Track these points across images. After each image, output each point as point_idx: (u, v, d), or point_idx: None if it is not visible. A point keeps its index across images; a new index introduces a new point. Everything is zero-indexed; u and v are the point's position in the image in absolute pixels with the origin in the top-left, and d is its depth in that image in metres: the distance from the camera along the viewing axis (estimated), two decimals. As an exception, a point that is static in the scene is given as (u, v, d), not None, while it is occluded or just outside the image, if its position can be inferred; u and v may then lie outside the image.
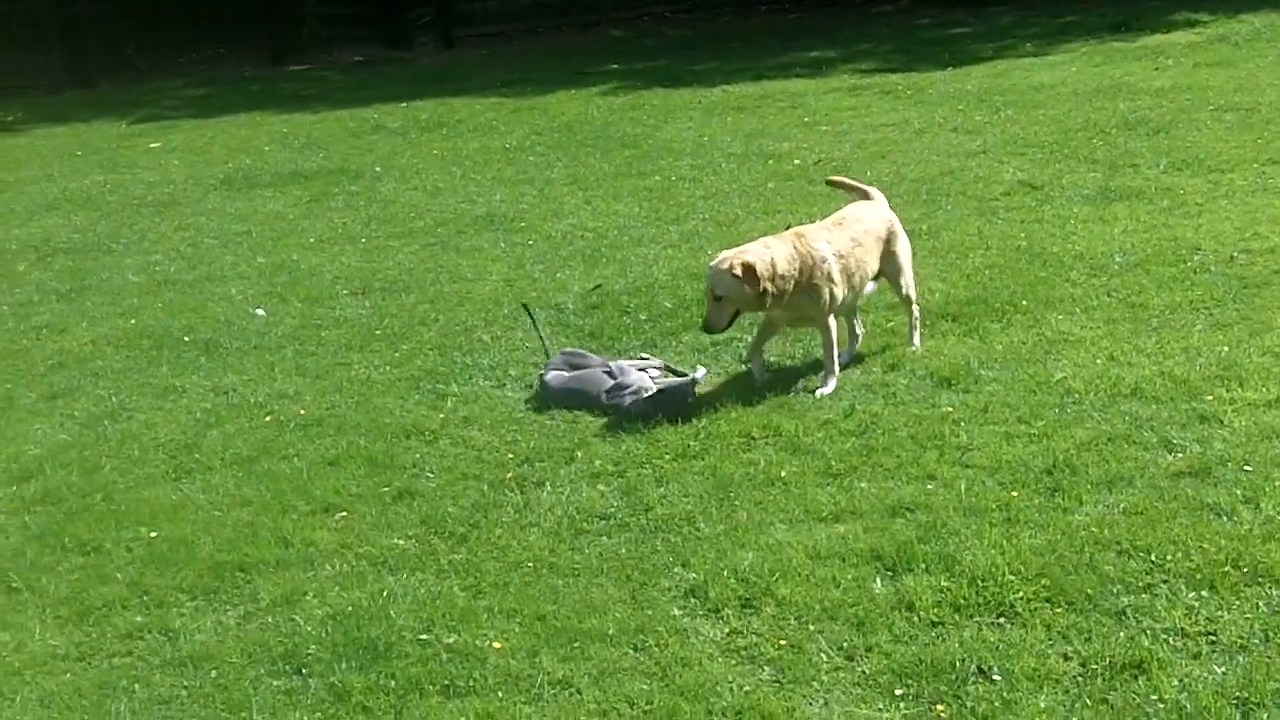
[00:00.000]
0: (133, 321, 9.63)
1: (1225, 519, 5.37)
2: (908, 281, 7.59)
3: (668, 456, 6.47)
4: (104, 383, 8.35)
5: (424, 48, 26.48)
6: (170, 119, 20.08)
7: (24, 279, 11.21)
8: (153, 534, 6.15)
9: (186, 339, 9.06)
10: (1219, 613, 4.77)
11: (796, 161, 12.87)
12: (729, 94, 17.44)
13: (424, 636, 5.06)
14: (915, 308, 7.63)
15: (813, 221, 7.77)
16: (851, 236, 7.29)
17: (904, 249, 7.60)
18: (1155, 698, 4.32)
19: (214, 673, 4.98)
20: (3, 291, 10.84)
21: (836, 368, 7.16)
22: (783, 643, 4.82)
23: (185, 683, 4.94)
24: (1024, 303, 8.09)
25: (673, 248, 10.21)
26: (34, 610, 5.58)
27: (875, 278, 7.50)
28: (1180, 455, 5.97)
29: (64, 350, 9.09)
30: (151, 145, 17.78)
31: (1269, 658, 4.50)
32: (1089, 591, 4.93)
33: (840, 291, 7.17)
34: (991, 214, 10.25)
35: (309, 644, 5.08)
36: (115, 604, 5.56)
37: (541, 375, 7.38)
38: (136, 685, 4.94)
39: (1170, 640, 4.63)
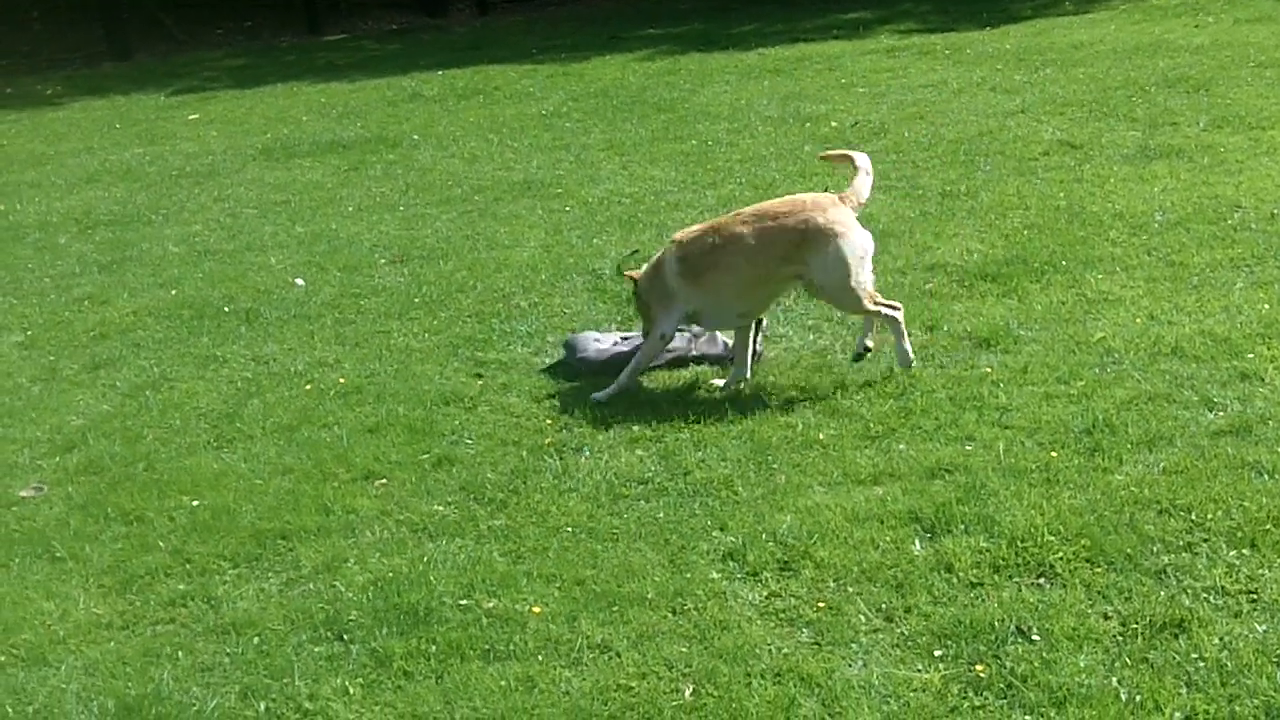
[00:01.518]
0: (173, 292, 9.70)
1: (1266, 477, 5.32)
2: (837, 303, 6.80)
3: (705, 420, 6.46)
4: (145, 353, 8.42)
5: (460, 15, 26.50)
6: (208, 90, 20.18)
7: (65, 251, 11.30)
8: (195, 502, 6.20)
9: (227, 309, 9.11)
10: (1260, 571, 4.73)
11: (833, 124, 12.81)
12: (765, 57, 17.36)
13: (464, 602, 5.08)
14: (871, 326, 6.79)
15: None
16: (721, 239, 6.65)
17: (828, 265, 6.51)
18: (1196, 656, 4.30)
19: (256, 639, 5.02)
20: (45, 264, 10.94)
21: (625, 381, 6.79)
22: (821, 605, 4.82)
23: (228, 650, 4.98)
24: (1063, 262, 8.03)
25: (710, 212, 10.16)
26: (78, 579, 5.64)
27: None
28: (1221, 413, 5.92)
29: (105, 321, 9.16)
30: (190, 116, 17.87)
31: (1311, 616, 4.48)
32: (1129, 551, 4.91)
33: (684, 294, 6.73)
34: (1030, 174, 10.17)
35: (350, 610, 5.12)
36: (158, 572, 5.61)
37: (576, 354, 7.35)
38: (180, 653, 4.99)
39: (1211, 599, 4.60)
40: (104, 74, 23.43)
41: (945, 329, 7.24)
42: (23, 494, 6.56)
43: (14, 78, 23.85)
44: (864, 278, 6.59)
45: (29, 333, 9.12)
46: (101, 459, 6.84)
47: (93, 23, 26.47)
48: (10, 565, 5.82)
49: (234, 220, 11.77)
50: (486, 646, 4.80)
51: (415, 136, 14.68)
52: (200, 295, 9.51)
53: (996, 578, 4.85)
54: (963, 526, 5.19)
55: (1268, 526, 4.96)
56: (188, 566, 5.65)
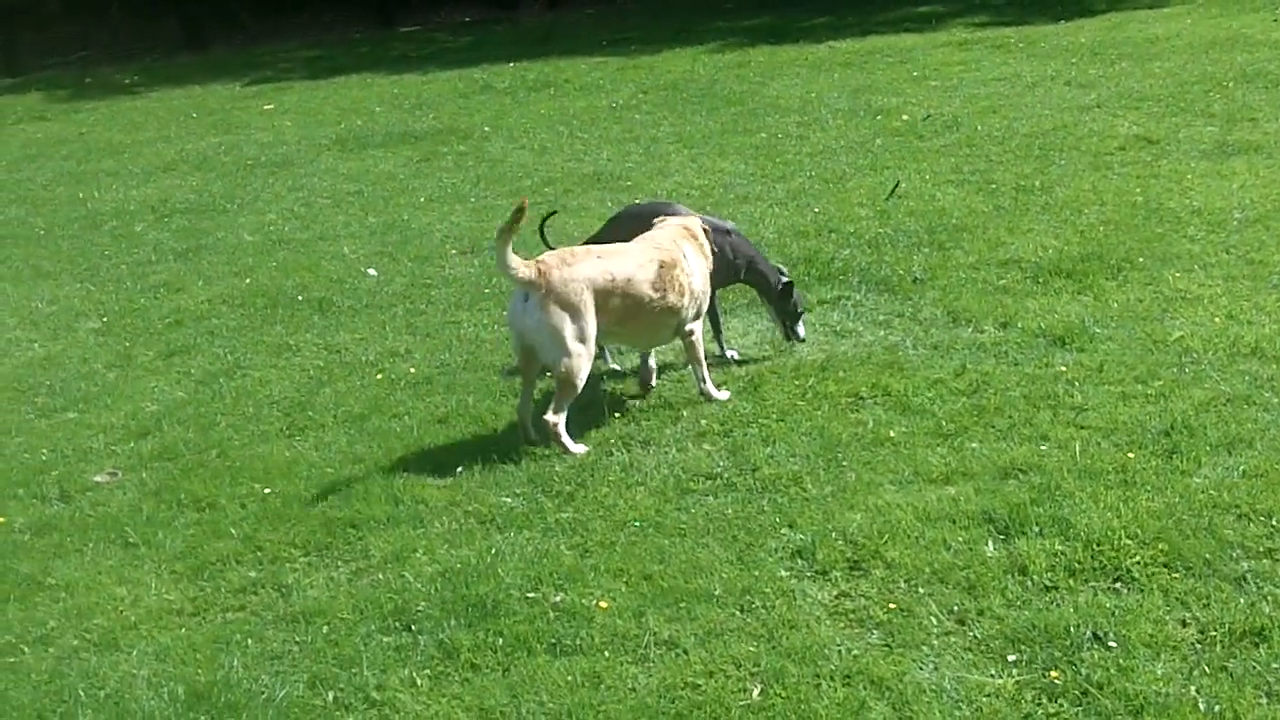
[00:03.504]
0: (248, 280, 9.77)
1: (1351, 483, 5.21)
2: None
3: (774, 416, 6.42)
4: (220, 341, 8.49)
5: (530, 7, 26.54)
6: (283, 81, 20.36)
7: (142, 239, 11.43)
8: (266, 490, 6.24)
9: (300, 298, 9.17)
10: (1344, 579, 4.63)
11: (905, 117, 12.70)
12: (836, 50, 17.26)
13: (531, 595, 5.07)
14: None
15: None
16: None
17: None
18: (1277, 666, 4.21)
19: (325, 628, 5.03)
20: (121, 251, 11.06)
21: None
22: (892, 606, 4.77)
23: (297, 638, 5.00)
24: (1140, 259, 7.92)
25: (779, 205, 10.13)
26: (150, 565, 5.69)
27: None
28: (1303, 417, 5.81)
29: (181, 309, 9.25)
30: (265, 107, 18.03)
31: (1396, 626, 4.37)
32: (1208, 556, 4.81)
33: None
34: (1106, 169, 10.04)
35: (419, 601, 5.12)
36: (229, 559, 5.65)
37: None
38: (249, 640, 5.02)
39: (1292, 607, 4.51)
40: (181, 64, 23.70)
41: (1019, 326, 7.15)
42: (97, 479, 6.63)
43: (93, 68, 24.19)
44: None
45: (105, 319, 9.22)
46: (175, 445, 6.90)
47: (170, 14, 26.78)
48: (84, 550, 5.88)
49: (307, 210, 11.86)
50: (553, 640, 4.78)
51: (486, 128, 14.72)
52: (274, 284, 9.58)
53: (1072, 581, 4.78)
54: (1037, 528, 5.11)
55: (1351, 533, 4.85)
56: (258, 554, 5.68)
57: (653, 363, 6.92)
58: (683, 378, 7.00)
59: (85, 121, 18.58)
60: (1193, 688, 4.14)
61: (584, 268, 6.25)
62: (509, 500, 5.89)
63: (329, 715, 4.54)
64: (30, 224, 12.43)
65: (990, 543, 5.07)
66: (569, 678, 4.55)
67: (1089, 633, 4.45)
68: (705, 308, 6.78)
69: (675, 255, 6.53)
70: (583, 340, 6.20)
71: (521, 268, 6.14)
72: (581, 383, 6.27)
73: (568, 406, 6.28)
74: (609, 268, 6.31)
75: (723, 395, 6.69)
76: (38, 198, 13.66)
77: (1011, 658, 4.40)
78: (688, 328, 6.65)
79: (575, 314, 6.18)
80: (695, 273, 6.61)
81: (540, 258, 6.28)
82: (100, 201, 13.10)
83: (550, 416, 6.25)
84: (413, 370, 7.57)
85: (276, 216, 11.71)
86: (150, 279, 10.10)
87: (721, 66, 17.10)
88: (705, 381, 6.70)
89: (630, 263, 6.39)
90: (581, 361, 6.22)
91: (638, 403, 6.77)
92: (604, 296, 6.25)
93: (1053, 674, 4.28)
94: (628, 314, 6.36)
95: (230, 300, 9.32)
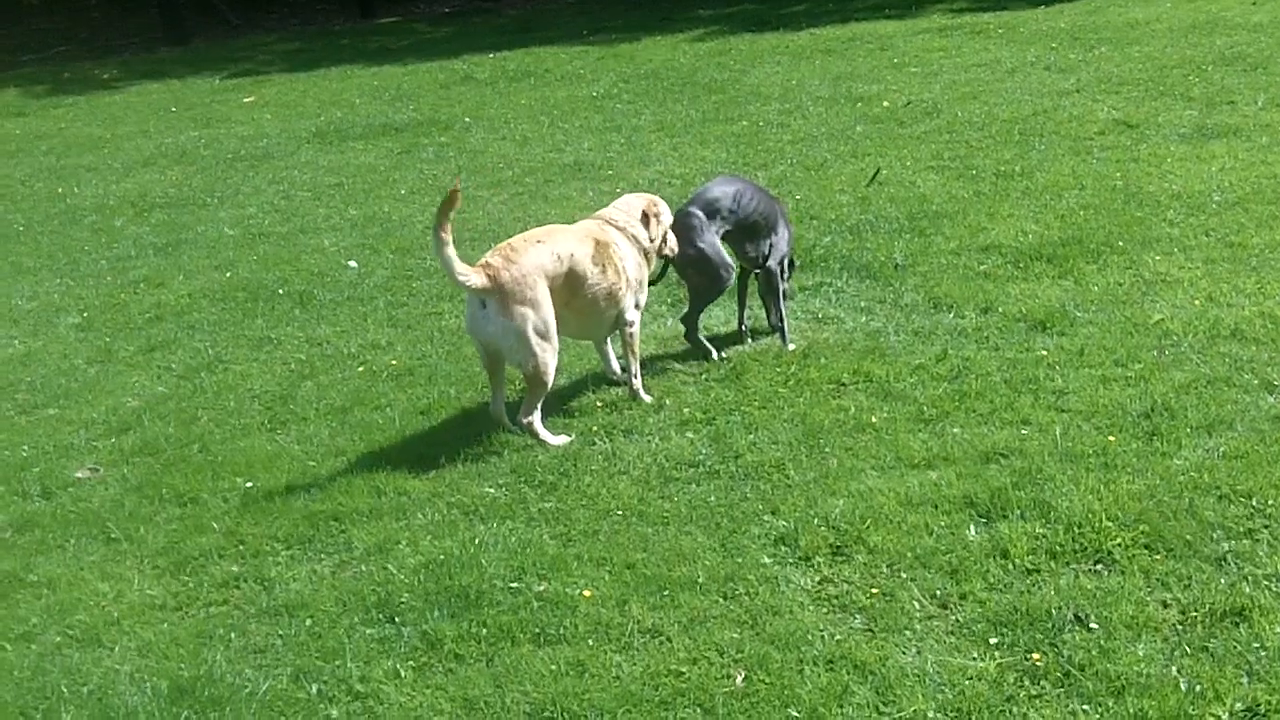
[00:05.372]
0: (228, 274, 9.74)
1: (1330, 463, 5.23)
2: None
3: (756, 403, 6.42)
4: (200, 335, 8.47)
5: (511, -3, 26.50)
6: (263, 74, 20.29)
7: (122, 234, 11.38)
8: (248, 484, 6.23)
9: (281, 291, 9.15)
10: (1323, 558, 4.65)
11: (885, 104, 12.70)
12: (817, 37, 17.26)
13: (515, 584, 5.07)
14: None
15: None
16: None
17: None
18: (1257, 645, 4.23)
19: (309, 621, 5.03)
20: (101, 246, 11.02)
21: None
22: (874, 591, 4.78)
23: (280, 631, 4.99)
24: (1120, 243, 7.93)
25: (761, 193, 10.12)
26: (132, 560, 5.67)
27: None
28: (1283, 398, 5.83)
29: (161, 303, 9.22)
30: (245, 100, 17.96)
31: (1376, 604, 4.39)
32: (1188, 537, 4.83)
33: None
34: (1086, 153, 10.05)
35: (402, 592, 5.12)
36: (212, 554, 5.64)
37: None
38: (232, 634, 5.01)
39: (1272, 586, 4.52)
40: (160, 58, 23.60)
41: (1000, 311, 7.16)
42: (78, 475, 6.61)
43: (72, 63, 24.07)
44: None
45: (85, 315, 9.19)
46: (156, 440, 6.88)
47: (150, 8, 26.68)
48: (66, 546, 5.87)
49: (288, 203, 11.82)
50: (537, 630, 4.78)
51: (467, 119, 14.69)
52: (255, 278, 9.56)
53: (1053, 564, 4.79)
54: (1019, 512, 5.13)
55: (1331, 513, 4.87)
56: (241, 548, 5.67)
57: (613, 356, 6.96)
58: (665, 367, 7.00)
59: (64, 116, 18.50)
60: (1174, 668, 4.16)
61: (532, 257, 6.20)
62: (492, 491, 5.89)
63: (312, 708, 4.54)
64: (9, 220, 12.38)
65: (972, 527, 5.09)
66: (553, 667, 4.55)
67: (1070, 615, 4.47)
68: (644, 299, 6.77)
69: (606, 237, 6.56)
70: (545, 335, 6.18)
71: (472, 275, 6.04)
72: (551, 378, 6.25)
73: (540, 403, 6.27)
74: (554, 249, 6.29)
75: (647, 398, 6.65)
76: (16, 194, 13.61)
77: (994, 641, 4.41)
78: (628, 317, 6.64)
79: (535, 309, 6.14)
80: (627, 257, 6.62)
81: (484, 259, 6.19)
82: (80, 197, 13.05)
83: (524, 418, 6.24)
84: (394, 362, 7.56)
85: (257, 210, 11.67)
86: (130, 274, 10.07)
87: (702, 55, 17.08)
88: (636, 378, 6.67)
89: (572, 240, 6.40)
90: (548, 357, 6.20)
91: (620, 392, 6.76)
92: (553, 280, 6.26)
93: (1035, 656, 4.29)
94: (572, 293, 6.36)
95: (211, 294, 9.29)
